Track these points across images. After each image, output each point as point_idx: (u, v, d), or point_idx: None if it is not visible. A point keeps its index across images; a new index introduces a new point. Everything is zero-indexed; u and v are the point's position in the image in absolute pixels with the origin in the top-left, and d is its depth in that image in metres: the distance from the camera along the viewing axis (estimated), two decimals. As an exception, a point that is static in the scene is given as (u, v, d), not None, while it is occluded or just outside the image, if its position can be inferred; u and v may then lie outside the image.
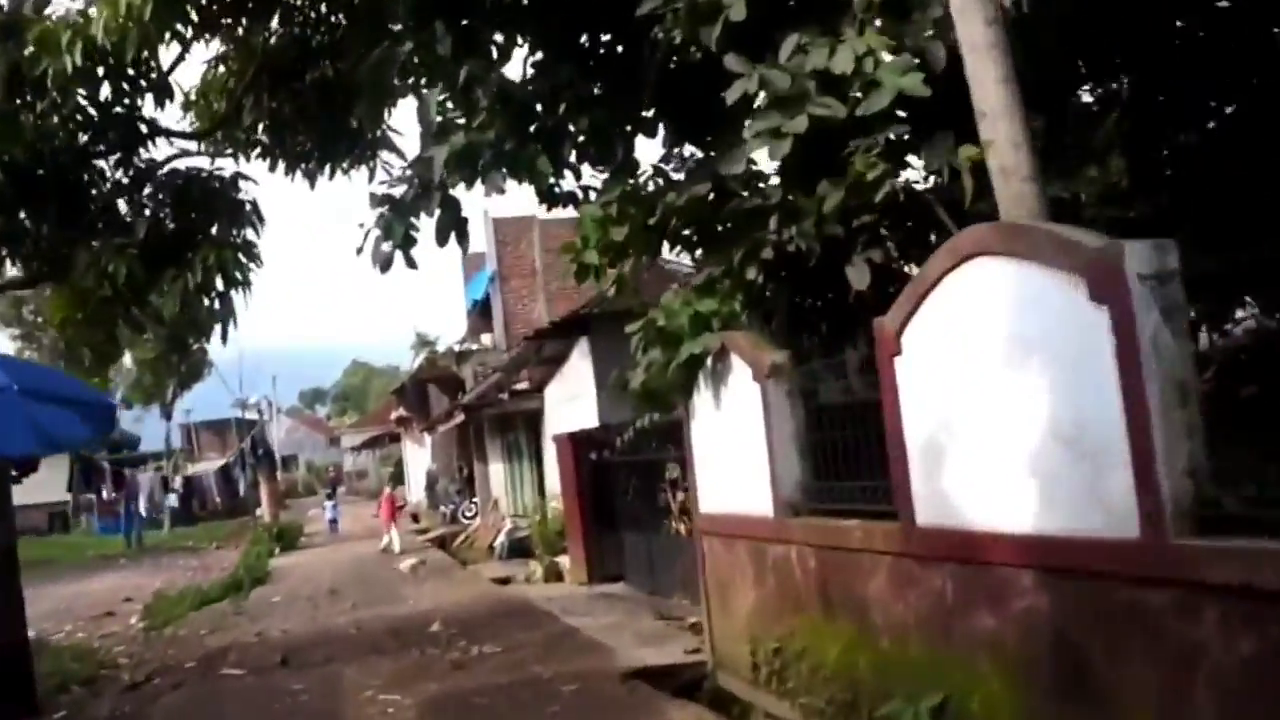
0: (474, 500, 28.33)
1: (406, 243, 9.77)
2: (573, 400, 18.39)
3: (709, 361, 8.43)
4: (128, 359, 48.90)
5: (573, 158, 10.10)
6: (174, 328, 15.27)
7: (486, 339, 27.38)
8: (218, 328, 13.46)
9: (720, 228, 9.04)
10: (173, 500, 40.58)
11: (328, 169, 14.13)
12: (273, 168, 14.37)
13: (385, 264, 9.86)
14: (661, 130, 9.87)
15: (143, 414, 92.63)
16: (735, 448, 8.03)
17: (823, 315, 8.79)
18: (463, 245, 10.11)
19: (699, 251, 9.23)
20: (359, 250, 9.86)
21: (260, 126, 13.45)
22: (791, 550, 7.19)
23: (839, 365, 7.16)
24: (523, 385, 20.19)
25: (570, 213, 10.38)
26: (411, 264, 9.95)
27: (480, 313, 28.63)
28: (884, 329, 5.98)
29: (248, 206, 13.06)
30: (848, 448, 6.75)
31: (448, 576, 19.20)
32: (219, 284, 12.55)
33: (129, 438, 60.16)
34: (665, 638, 10.47)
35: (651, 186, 9.37)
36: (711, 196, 8.90)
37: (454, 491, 29.42)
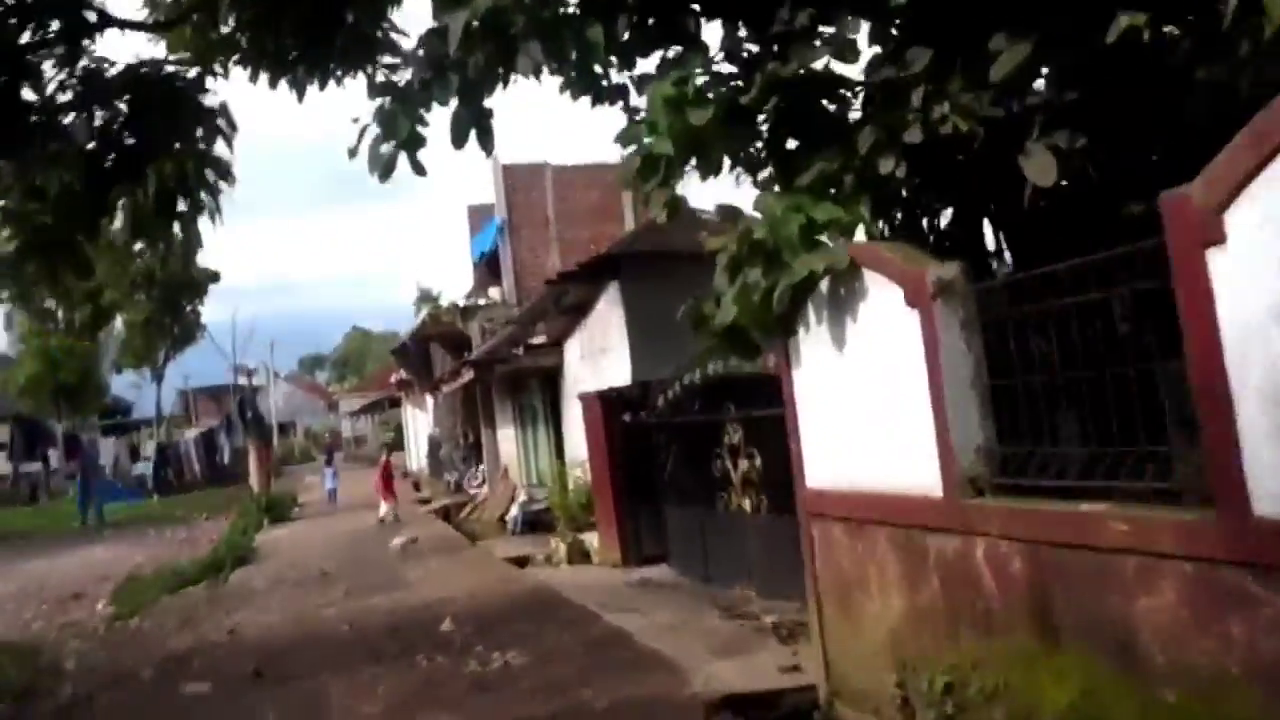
0: (480, 468, 26.24)
1: (412, 142, 7.59)
2: (599, 355, 16.26)
3: (825, 285, 6.27)
4: (119, 321, 46.90)
5: (626, 36, 7.86)
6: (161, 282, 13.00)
7: (495, 293, 25.22)
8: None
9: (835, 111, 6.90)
10: (141, 468, 38.48)
11: (318, 77, 11.85)
12: (253, 77, 12.07)
13: (385, 169, 7.67)
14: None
15: (141, 380, 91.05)
16: (871, 399, 5.88)
17: (984, 224, 6.63)
18: (486, 146, 7.84)
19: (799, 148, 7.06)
20: (352, 153, 7.68)
21: (236, 19, 11.18)
22: (976, 545, 5.04)
23: (1047, 279, 4.95)
24: (539, 340, 18.04)
25: (586, 159, 8.17)
26: (419, 169, 7.77)
27: (488, 266, 26.45)
28: (1189, 207, 3.80)
29: (216, 113, 10.81)
30: (1075, 395, 4.60)
31: (455, 555, 17.06)
32: (180, 204, 10.28)
33: (121, 403, 58.17)
34: (743, 644, 8.30)
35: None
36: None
37: (458, 459, 27.33)
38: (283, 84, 11.99)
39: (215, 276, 46.64)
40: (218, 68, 11.72)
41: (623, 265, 15.15)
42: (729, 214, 7.00)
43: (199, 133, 10.92)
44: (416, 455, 40.61)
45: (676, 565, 12.62)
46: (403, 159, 7.52)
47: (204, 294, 46.45)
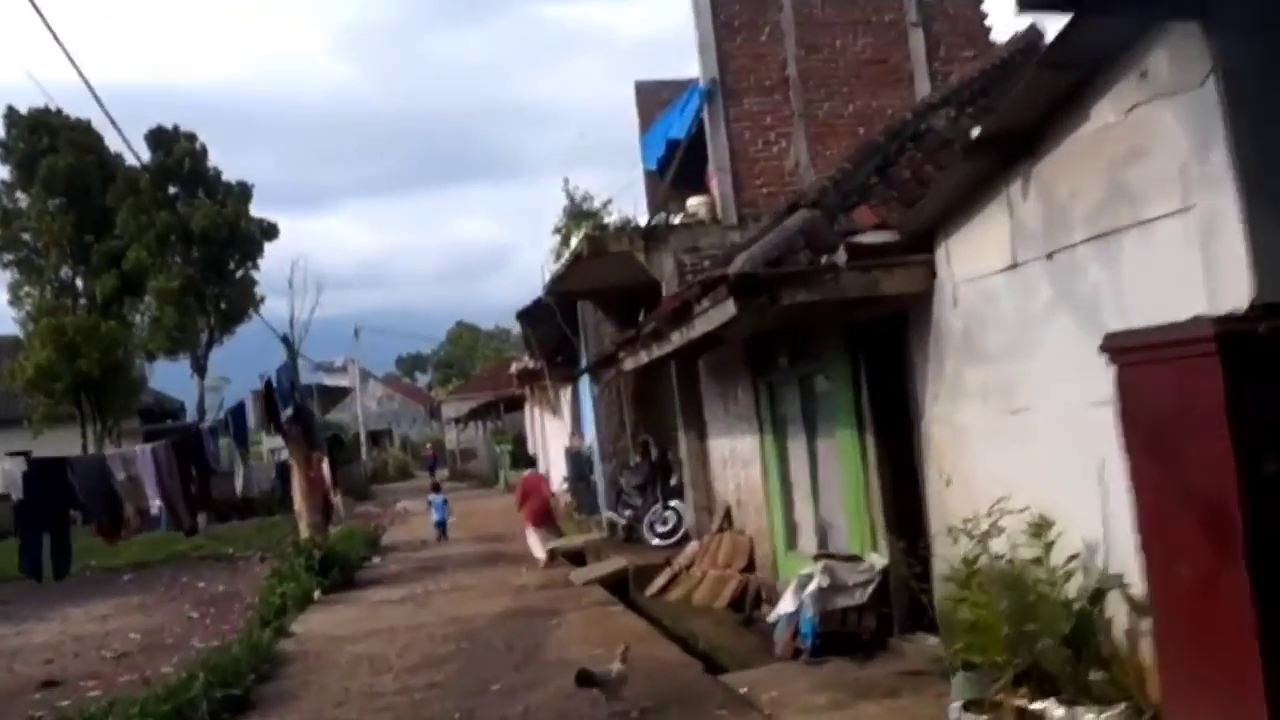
0: (672, 505, 16.67)
1: None
2: (1124, 239, 6.40)
3: None
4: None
5: None
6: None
7: (696, 206, 15.60)
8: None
9: None
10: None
11: None
12: None
13: None
14: None
15: (222, 382, 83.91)
16: None
17: None
18: None
19: None
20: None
21: None
22: None
23: None
24: (875, 236, 8.27)
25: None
26: None
27: (681, 171, 16.72)
28: None
29: None
30: None
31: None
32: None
33: (168, 403, 49.72)
34: None
35: None
36: None
37: (633, 486, 17.75)
38: None
39: (273, 230, 38.13)
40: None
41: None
42: None
43: None
44: (552, 476, 31.35)
45: None
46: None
47: (259, 253, 37.87)
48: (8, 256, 37.67)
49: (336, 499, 25.97)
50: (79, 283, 38.65)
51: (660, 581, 14.40)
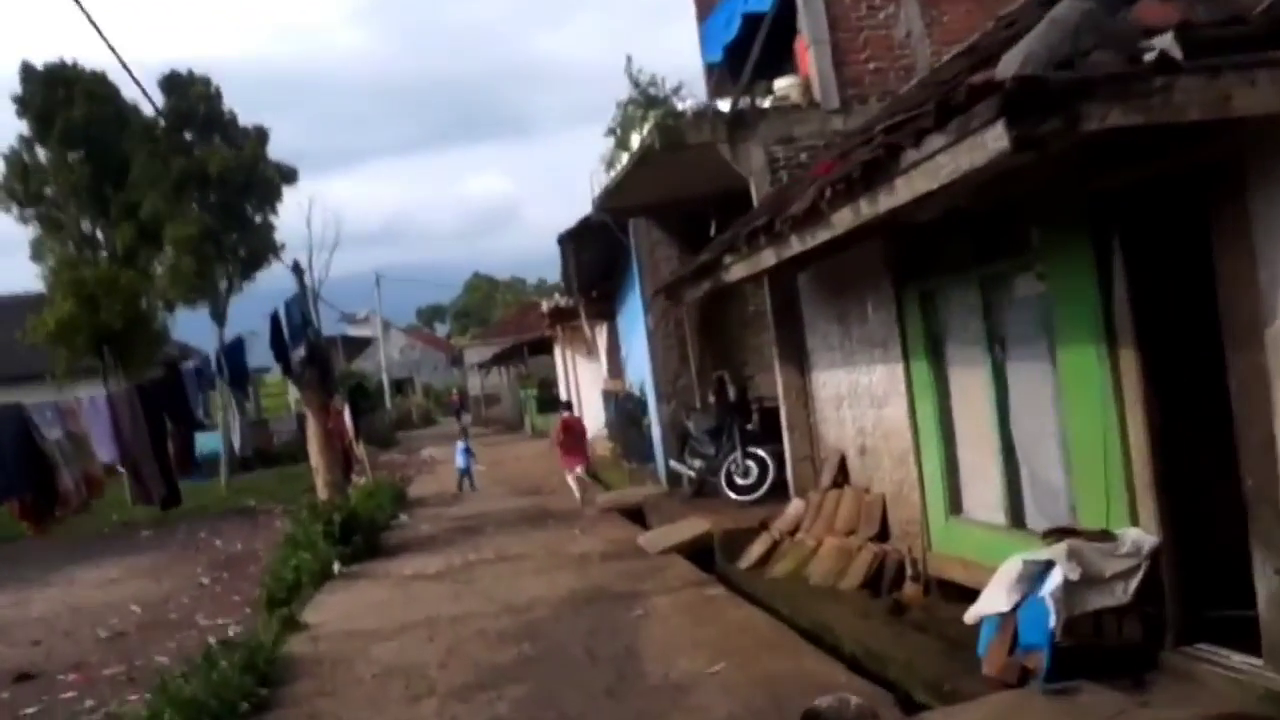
0: (754, 452, 13.36)
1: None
2: None
3: None
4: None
5: None
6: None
7: (785, 88, 12.08)
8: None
9: None
10: (206, 442, 26.85)
11: None
12: None
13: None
14: None
15: (251, 336, 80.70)
16: None
17: None
18: None
19: None
20: None
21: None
22: None
23: None
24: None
25: None
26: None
27: (768, 47, 13.07)
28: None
29: None
30: None
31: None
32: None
33: (193, 354, 46.52)
34: None
35: None
36: None
37: (703, 431, 14.36)
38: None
39: (292, 174, 34.54)
40: None
41: None
42: None
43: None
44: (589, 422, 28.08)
45: None
46: None
47: (277, 198, 34.27)
48: (29, 212, 34.29)
49: (360, 451, 22.63)
50: (99, 235, 35.46)
51: (757, 551, 11.04)
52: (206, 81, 34.47)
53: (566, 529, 15.06)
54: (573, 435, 17.85)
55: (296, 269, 16.80)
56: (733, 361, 15.53)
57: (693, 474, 14.47)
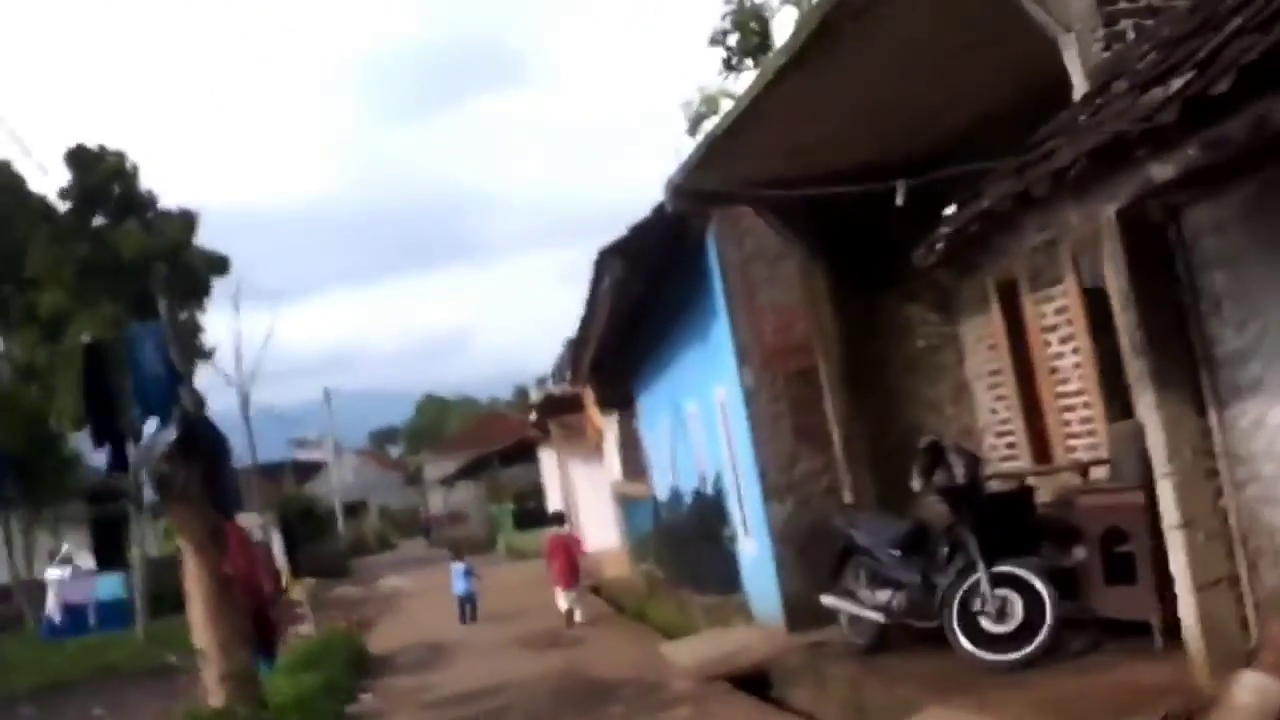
0: (1016, 574, 6.77)
1: None
2: None
3: None
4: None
5: None
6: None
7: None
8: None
9: None
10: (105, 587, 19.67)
11: None
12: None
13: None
14: None
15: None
16: None
17: None
18: None
19: None
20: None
21: None
22: None
23: None
24: None
25: None
26: None
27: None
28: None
29: None
30: None
31: None
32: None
33: (117, 485, 38.72)
34: None
35: None
36: None
37: (891, 542, 7.74)
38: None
39: (222, 264, 27.66)
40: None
41: None
42: None
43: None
44: (591, 532, 21.28)
45: None
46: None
47: (205, 292, 27.27)
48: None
49: (300, 590, 15.55)
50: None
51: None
52: (121, 155, 27.74)
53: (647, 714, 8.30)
54: (567, 554, 15.49)
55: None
56: (899, 428, 9.11)
57: (875, 614, 7.82)
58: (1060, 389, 8.27)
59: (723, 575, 11.49)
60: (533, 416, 23.70)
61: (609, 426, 18.97)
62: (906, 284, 9.56)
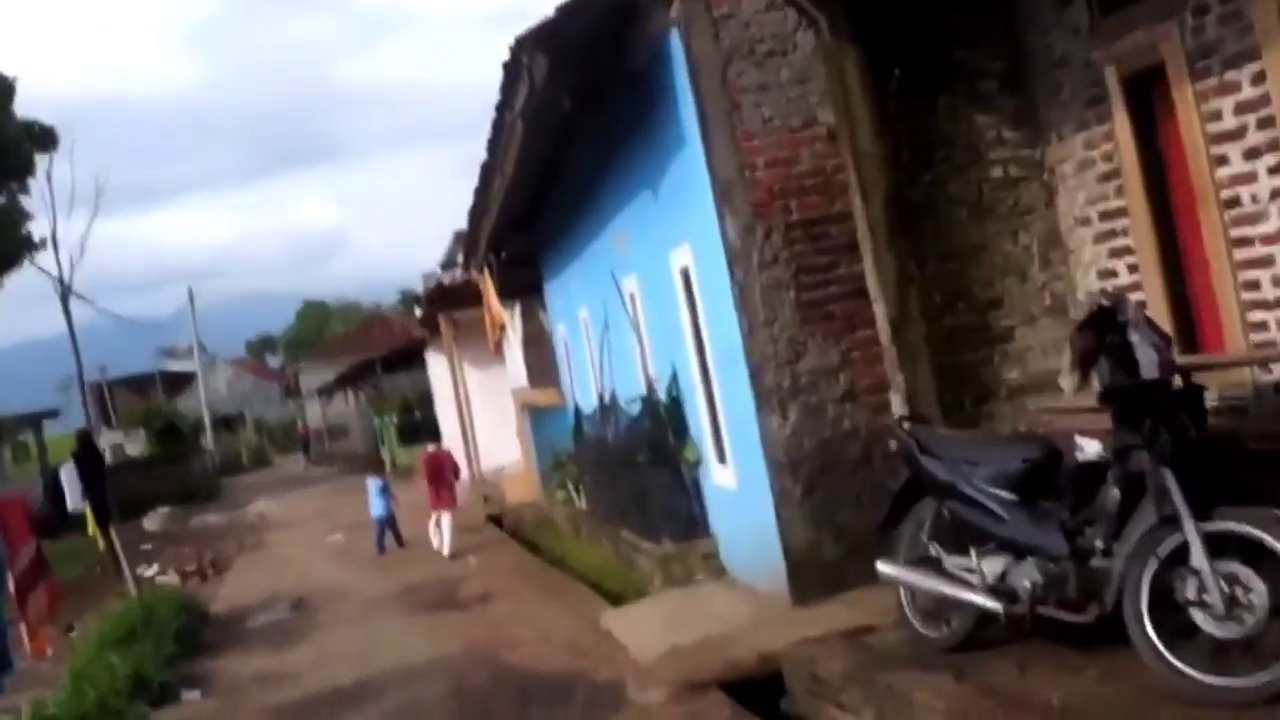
0: (1252, 533, 3.61)
1: None
2: None
3: None
4: None
5: None
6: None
7: None
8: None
9: None
10: None
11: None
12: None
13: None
14: None
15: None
16: None
17: None
18: None
19: None
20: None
21: None
22: None
23: None
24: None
25: None
26: None
27: None
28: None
29: None
30: None
31: None
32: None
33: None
34: None
35: None
36: None
37: (1019, 482, 4.67)
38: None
39: (47, 136, 22.82)
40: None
41: None
42: None
43: None
44: (490, 449, 18.07)
45: None
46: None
47: (27, 170, 22.43)
48: None
49: (114, 542, 11.73)
50: None
51: None
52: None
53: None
54: (442, 474, 13.61)
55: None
56: (966, 301, 6.06)
57: (987, 599, 4.73)
58: (1240, 232, 5.24)
59: (680, 513, 8.33)
60: (419, 312, 20.07)
61: (511, 322, 15.56)
62: (970, 84, 6.39)
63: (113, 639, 9.47)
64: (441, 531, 13.04)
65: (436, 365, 21.28)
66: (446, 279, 17.53)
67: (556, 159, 10.04)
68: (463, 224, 13.10)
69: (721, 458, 7.63)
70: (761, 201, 6.73)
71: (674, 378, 8.31)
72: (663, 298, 8.33)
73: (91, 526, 10.27)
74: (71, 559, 15.40)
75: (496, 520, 15.43)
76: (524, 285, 14.84)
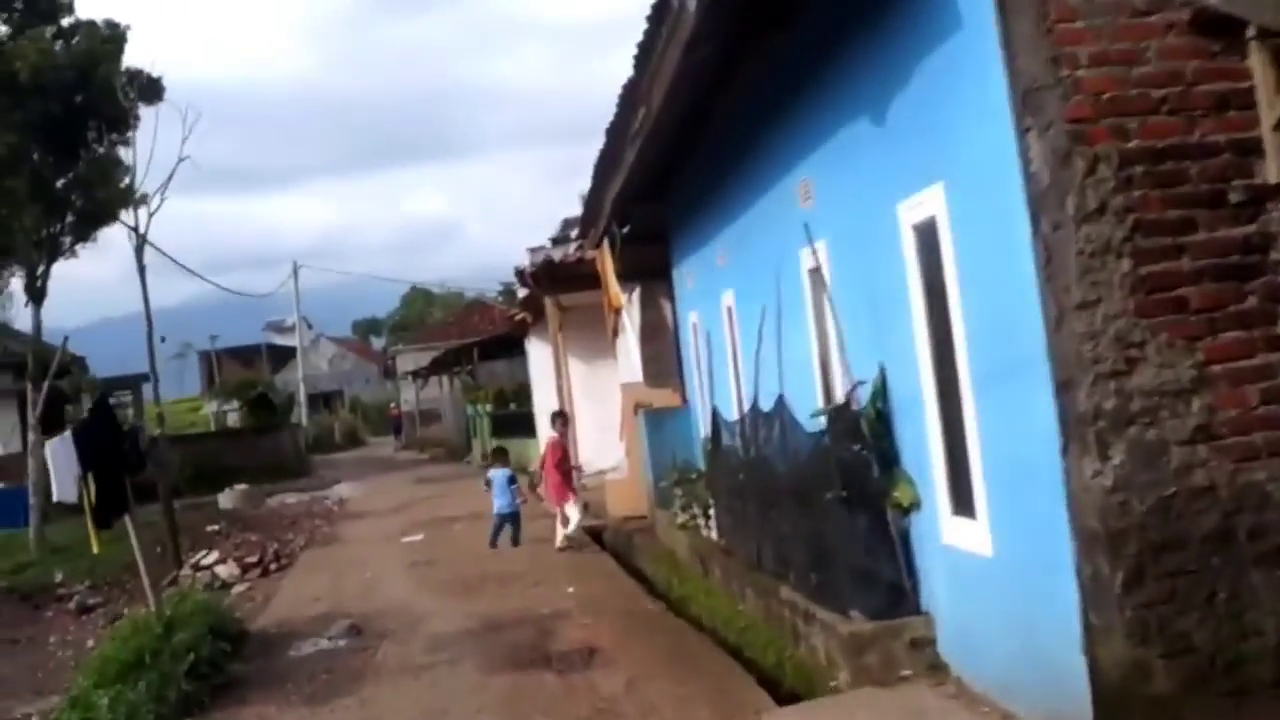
0: None
1: None
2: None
3: None
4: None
5: None
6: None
7: None
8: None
9: None
10: None
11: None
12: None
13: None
14: None
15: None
16: None
17: None
18: None
19: None
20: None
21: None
22: None
23: None
24: None
25: None
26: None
27: None
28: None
29: None
30: None
31: None
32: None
33: (45, 353, 32.79)
34: None
35: None
36: None
37: None
38: None
39: (154, 88, 21.16)
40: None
41: None
42: None
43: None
44: (584, 441, 15.73)
45: None
46: None
47: (129, 124, 20.82)
48: None
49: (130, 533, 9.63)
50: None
51: None
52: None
53: None
54: (564, 461, 12.66)
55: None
56: None
57: None
58: None
59: (880, 577, 5.76)
60: (522, 293, 17.79)
61: (628, 309, 13.16)
62: None
63: (118, 665, 7.36)
64: (569, 518, 12.18)
65: (537, 353, 19.00)
66: (558, 255, 15.23)
67: (709, 103, 7.63)
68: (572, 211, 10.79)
69: (964, 507, 5.04)
70: (1084, 116, 4.17)
71: (882, 384, 5.76)
72: (872, 270, 5.78)
73: (89, 525, 7.98)
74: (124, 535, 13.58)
75: (595, 535, 13.09)
76: (645, 267, 12.43)
